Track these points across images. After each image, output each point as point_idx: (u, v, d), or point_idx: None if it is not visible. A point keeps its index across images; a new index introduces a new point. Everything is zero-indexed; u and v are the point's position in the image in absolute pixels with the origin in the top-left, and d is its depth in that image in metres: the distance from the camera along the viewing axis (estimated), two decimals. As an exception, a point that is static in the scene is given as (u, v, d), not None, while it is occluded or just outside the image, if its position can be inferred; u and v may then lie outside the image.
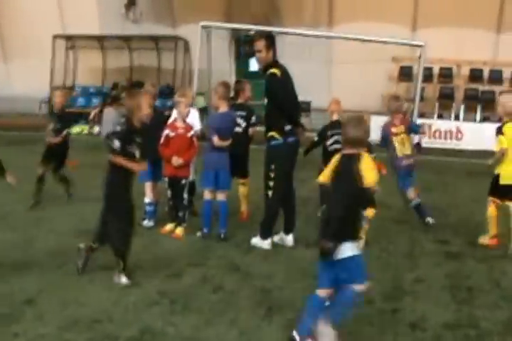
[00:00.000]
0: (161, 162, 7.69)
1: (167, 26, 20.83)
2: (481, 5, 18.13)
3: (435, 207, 8.74)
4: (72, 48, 21.32)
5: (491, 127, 16.19)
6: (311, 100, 17.95)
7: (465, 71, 19.41)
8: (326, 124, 8.21)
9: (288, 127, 6.85)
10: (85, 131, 18.57)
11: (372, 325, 4.93)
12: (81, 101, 20.96)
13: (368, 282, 4.49)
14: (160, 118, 7.98)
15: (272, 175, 6.92)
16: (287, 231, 7.16)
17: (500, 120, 7.70)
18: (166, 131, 7.30)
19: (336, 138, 7.96)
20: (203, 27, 14.67)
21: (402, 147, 8.01)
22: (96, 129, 18.09)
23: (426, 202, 8.19)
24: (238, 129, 7.75)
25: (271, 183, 6.95)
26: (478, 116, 18.17)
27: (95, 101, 19.85)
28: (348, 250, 4.31)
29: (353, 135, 4.47)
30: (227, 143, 7.23)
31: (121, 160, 5.72)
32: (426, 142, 15.40)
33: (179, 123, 7.32)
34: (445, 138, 17.10)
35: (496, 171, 7.16)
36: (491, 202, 7.27)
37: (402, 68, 19.56)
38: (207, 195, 7.28)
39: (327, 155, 7.80)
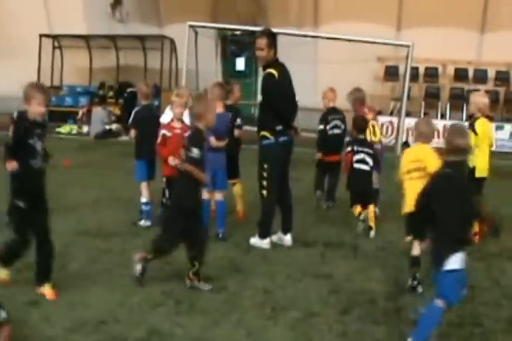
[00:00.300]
0: (155, 161, 7.71)
1: (153, 26, 20.79)
2: (465, 5, 18.31)
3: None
4: (59, 48, 21.17)
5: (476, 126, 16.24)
6: (297, 99, 18.01)
7: (450, 70, 19.61)
8: (324, 111, 8.92)
9: (280, 127, 6.89)
10: (74, 131, 18.47)
11: (378, 324, 4.97)
12: (68, 100, 20.84)
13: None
14: (154, 118, 7.99)
15: (265, 174, 6.95)
16: (285, 231, 7.18)
17: (471, 117, 8.04)
18: (163, 131, 7.27)
19: (335, 122, 8.82)
20: (191, 26, 14.62)
21: (372, 134, 8.38)
22: (85, 129, 17.99)
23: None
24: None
25: (264, 183, 6.98)
26: (463, 115, 18.32)
27: (82, 100, 19.80)
28: (456, 262, 4.35)
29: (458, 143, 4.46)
30: (223, 143, 7.24)
31: (194, 170, 5.46)
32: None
33: (176, 124, 7.30)
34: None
35: (471, 165, 7.31)
36: None
37: (387, 68, 19.69)
38: (205, 195, 7.27)
39: (326, 140, 8.73)
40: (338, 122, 8.94)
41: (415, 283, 5.74)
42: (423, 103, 19.11)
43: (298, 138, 7.37)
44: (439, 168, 4.71)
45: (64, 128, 18.53)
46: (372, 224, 7.63)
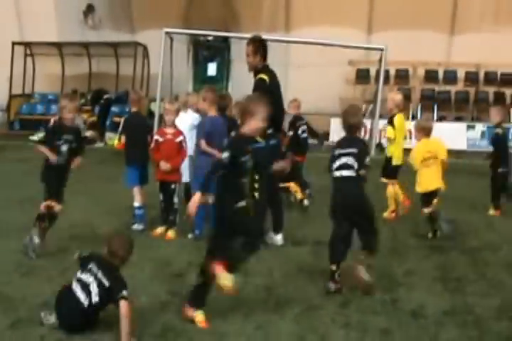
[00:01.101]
0: (147, 166, 7.90)
1: (126, 32, 20.90)
2: (434, 8, 18.84)
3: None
4: (31, 55, 21.08)
5: (447, 126, 16.91)
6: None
7: (420, 72, 20.11)
8: (292, 119, 9.77)
9: (270, 130, 7.12)
10: None
11: (378, 314, 5.22)
12: (40, 108, 20.86)
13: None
14: (143, 124, 8.18)
15: (256, 177, 7.18)
16: (276, 231, 7.41)
17: (390, 111, 8.92)
18: (156, 137, 7.48)
19: (303, 128, 9.76)
20: (167, 33, 14.81)
21: None
22: None
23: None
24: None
25: (256, 185, 7.21)
26: (435, 115, 18.82)
27: (54, 108, 19.77)
28: None
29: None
30: (213, 150, 7.12)
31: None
32: (388, 142, 15.89)
33: (168, 129, 7.50)
34: (405, 137, 17.70)
35: (388, 155, 8.65)
36: (389, 183, 8.64)
37: (358, 71, 20.12)
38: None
39: (299, 143, 9.64)
40: (304, 127, 9.85)
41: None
42: (395, 104, 19.52)
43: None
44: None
45: (38, 136, 18.45)
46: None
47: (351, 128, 5.87)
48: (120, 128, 8.33)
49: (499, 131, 9.28)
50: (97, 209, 9.05)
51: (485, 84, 19.76)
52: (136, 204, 7.89)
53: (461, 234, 7.93)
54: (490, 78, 19.75)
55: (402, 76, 20.08)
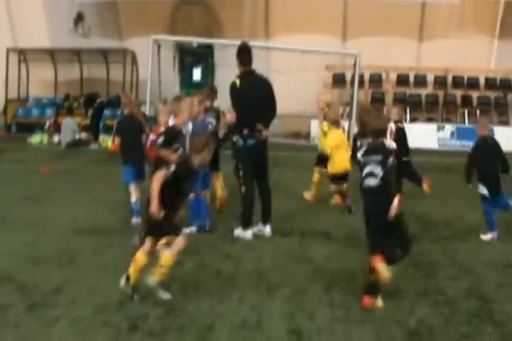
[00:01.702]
0: (143, 163, 8.44)
1: (114, 39, 21.45)
2: (403, 17, 19.65)
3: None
4: (25, 61, 21.57)
5: (419, 127, 17.67)
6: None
7: (393, 76, 20.85)
8: None
9: (246, 131, 7.70)
10: (45, 141, 18.85)
11: (358, 295, 5.73)
12: (35, 112, 21.47)
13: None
14: (136, 124, 8.67)
15: (240, 173, 7.81)
16: (264, 223, 7.98)
17: (323, 110, 9.72)
18: (151, 137, 7.99)
19: None
20: (154, 40, 15.31)
21: None
22: (56, 138, 18.44)
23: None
24: (210, 128, 8.62)
25: (241, 180, 7.83)
26: (407, 117, 19.51)
27: (49, 111, 20.29)
28: None
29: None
30: None
31: None
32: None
33: (162, 129, 8.01)
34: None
35: (319, 148, 9.89)
36: (317, 171, 9.92)
37: (335, 75, 20.77)
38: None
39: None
40: None
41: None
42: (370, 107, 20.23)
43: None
44: None
45: (35, 139, 18.90)
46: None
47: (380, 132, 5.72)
48: (114, 130, 8.83)
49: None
50: (97, 206, 9.55)
51: (453, 88, 20.59)
52: (133, 199, 8.37)
53: (434, 225, 8.59)
54: (457, 82, 20.58)
55: (376, 80, 20.81)
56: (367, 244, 5.72)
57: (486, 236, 7.97)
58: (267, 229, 7.96)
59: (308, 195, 10.10)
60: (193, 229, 7.87)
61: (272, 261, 6.82)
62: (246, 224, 7.80)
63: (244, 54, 7.80)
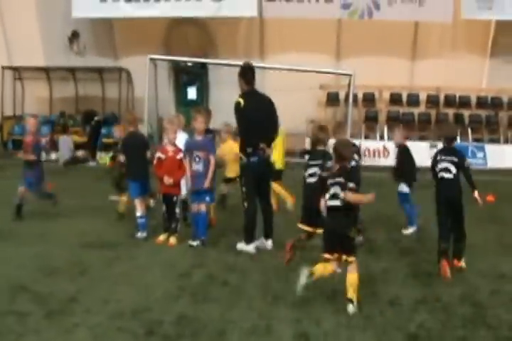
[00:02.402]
0: (148, 179, 8.75)
1: (109, 58, 21.68)
2: (396, 36, 20.00)
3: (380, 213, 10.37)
4: (20, 79, 21.86)
5: (412, 145, 18.02)
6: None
7: (386, 95, 21.21)
8: None
9: (249, 149, 7.96)
10: (43, 158, 19.03)
11: (361, 303, 6.05)
12: (31, 129, 21.56)
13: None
14: (141, 141, 8.99)
15: (244, 189, 8.11)
16: (266, 237, 8.26)
17: None
18: (158, 154, 8.31)
19: None
20: (151, 59, 15.68)
21: None
22: (53, 156, 18.70)
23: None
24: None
25: (244, 196, 8.13)
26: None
27: (44, 129, 20.56)
28: None
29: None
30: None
31: None
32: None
33: (169, 147, 8.34)
34: (374, 156, 18.93)
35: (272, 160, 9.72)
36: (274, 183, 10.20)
37: (329, 94, 21.15)
38: (195, 208, 8.36)
39: None
40: None
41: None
42: (363, 126, 20.65)
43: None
44: None
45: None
46: None
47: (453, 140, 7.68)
48: (119, 147, 9.17)
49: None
50: (100, 220, 9.82)
51: (445, 106, 20.94)
52: (138, 213, 8.67)
53: (429, 238, 8.90)
54: (449, 101, 20.94)
55: (369, 99, 21.19)
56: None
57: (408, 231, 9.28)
58: (269, 243, 8.24)
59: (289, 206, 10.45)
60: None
61: (275, 273, 7.10)
62: (249, 239, 8.07)
63: (248, 73, 8.05)
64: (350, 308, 5.86)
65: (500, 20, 19.54)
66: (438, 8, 18.83)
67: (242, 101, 7.85)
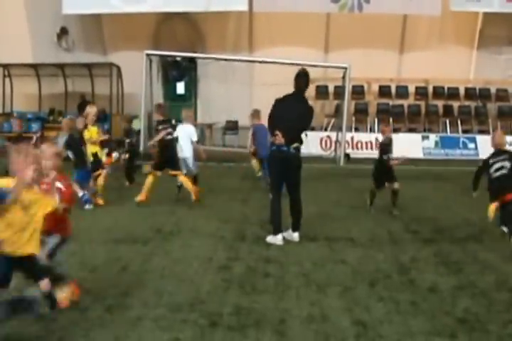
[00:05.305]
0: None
1: (98, 54, 21.64)
2: (384, 29, 20.37)
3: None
4: (9, 76, 21.68)
5: (404, 137, 18.45)
6: (237, 119, 19.41)
7: (375, 88, 21.59)
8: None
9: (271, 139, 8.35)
10: None
11: (402, 291, 6.29)
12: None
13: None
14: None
15: (269, 180, 8.55)
16: (294, 229, 8.48)
17: None
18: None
19: None
20: (147, 55, 15.74)
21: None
22: None
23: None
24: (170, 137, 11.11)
25: (269, 187, 8.59)
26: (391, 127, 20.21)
27: (34, 126, 20.43)
28: None
29: None
30: None
31: None
32: (353, 153, 17.36)
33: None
34: (366, 148, 19.23)
35: None
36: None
37: (317, 87, 21.41)
38: None
39: None
40: None
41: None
42: (353, 118, 20.94)
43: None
44: None
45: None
46: None
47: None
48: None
49: None
50: (122, 216, 10.04)
51: (434, 98, 21.43)
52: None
53: (446, 228, 9.24)
54: (438, 92, 21.41)
55: (358, 91, 21.50)
56: None
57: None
58: (295, 235, 8.45)
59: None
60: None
61: (312, 264, 7.29)
62: (276, 230, 8.30)
63: (296, 79, 8.56)
64: None
65: (487, 12, 19.99)
66: (426, 1, 19.16)
67: (281, 97, 8.45)
